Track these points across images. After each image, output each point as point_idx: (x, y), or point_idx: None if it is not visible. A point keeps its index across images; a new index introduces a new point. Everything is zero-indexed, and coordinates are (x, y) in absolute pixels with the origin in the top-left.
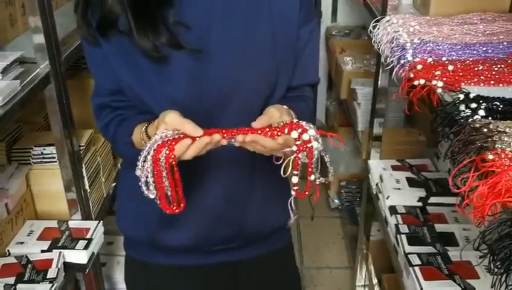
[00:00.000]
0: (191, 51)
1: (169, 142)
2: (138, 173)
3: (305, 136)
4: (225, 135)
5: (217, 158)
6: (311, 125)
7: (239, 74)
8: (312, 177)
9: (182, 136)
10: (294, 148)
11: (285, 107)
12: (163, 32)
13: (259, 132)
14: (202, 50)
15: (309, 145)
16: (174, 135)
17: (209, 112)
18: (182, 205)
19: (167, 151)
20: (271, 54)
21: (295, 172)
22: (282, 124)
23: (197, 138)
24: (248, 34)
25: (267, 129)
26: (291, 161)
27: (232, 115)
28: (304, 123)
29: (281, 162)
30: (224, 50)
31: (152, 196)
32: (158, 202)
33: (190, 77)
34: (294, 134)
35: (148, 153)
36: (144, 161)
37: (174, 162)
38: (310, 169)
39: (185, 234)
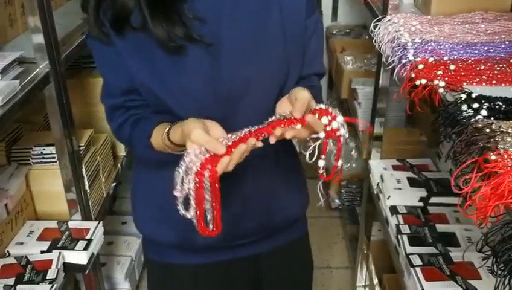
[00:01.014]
0: (204, 44)
1: (208, 161)
2: (177, 194)
3: (335, 124)
4: (258, 136)
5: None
6: (338, 111)
7: (252, 67)
8: (339, 163)
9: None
10: (322, 134)
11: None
12: (177, 23)
13: (284, 123)
14: (214, 43)
15: (338, 133)
16: (206, 152)
17: (224, 105)
18: (220, 228)
19: (209, 172)
20: (282, 47)
21: (323, 156)
22: (313, 109)
23: (233, 150)
24: (259, 29)
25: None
26: (317, 146)
27: (248, 107)
28: (332, 109)
29: (310, 147)
30: (235, 44)
31: (189, 216)
32: (195, 222)
33: (204, 69)
34: (325, 120)
35: (187, 173)
36: (182, 181)
37: (217, 183)
38: (337, 156)
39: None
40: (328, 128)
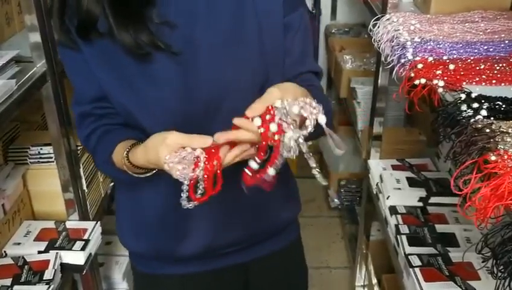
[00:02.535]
0: (170, 53)
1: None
2: (189, 205)
3: (273, 127)
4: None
5: None
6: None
7: (227, 74)
8: (270, 171)
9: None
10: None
11: (296, 85)
12: (144, 29)
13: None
14: (181, 51)
15: (277, 137)
16: (190, 153)
17: (198, 115)
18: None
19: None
20: (259, 53)
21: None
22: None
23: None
24: (234, 34)
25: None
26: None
27: (227, 113)
28: (288, 103)
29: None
30: (209, 49)
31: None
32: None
33: (177, 76)
34: (257, 121)
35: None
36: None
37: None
38: (270, 162)
39: (194, 242)
40: (261, 130)
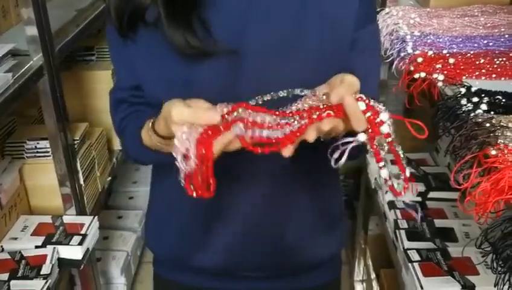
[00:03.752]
0: (223, 52)
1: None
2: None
3: (384, 116)
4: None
5: (243, 165)
6: (382, 107)
7: (276, 80)
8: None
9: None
10: (363, 137)
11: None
12: (195, 28)
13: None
14: (236, 51)
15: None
16: (195, 133)
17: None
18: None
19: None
20: (317, 63)
21: (381, 164)
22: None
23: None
24: (289, 41)
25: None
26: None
27: None
28: (374, 102)
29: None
30: (259, 55)
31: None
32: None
33: (222, 80)
34: (362, 105)
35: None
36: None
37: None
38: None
39: (210, 255)
40: (368, 115)
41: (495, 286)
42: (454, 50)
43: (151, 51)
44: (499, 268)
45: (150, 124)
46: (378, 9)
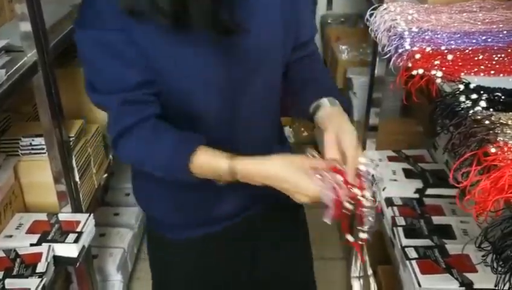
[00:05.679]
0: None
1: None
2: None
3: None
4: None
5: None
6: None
7: (267, 43)
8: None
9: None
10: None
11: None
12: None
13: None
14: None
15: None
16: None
17: (234, 87)
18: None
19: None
20: (283, 23)
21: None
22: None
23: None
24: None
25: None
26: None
27: (256, 89)
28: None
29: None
30: (257, 33)
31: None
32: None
33: (224, 56)
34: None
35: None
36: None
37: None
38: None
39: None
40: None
41: (495, 287)
42: (453, 46)
43: (160, 34)
44: (499, 268)
45: (227, 165)
46: (375, 5)
